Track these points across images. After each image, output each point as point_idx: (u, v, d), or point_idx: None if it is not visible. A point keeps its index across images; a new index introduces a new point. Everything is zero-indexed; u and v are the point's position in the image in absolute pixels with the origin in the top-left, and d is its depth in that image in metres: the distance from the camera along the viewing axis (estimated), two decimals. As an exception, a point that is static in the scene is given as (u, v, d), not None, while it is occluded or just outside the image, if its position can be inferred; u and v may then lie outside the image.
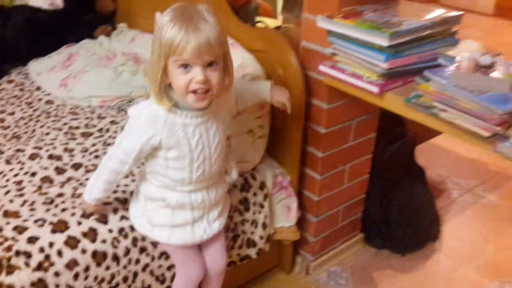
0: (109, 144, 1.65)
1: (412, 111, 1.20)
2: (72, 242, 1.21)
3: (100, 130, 1.75)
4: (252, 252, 1.55)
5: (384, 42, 1.20)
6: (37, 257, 1.17)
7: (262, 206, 1.53)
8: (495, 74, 1.03)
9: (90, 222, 1.26)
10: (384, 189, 1.86)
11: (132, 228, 1.29)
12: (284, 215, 1.63)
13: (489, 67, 1.05)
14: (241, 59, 1.51)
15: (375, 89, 1.27)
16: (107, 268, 1.24)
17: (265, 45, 1.58)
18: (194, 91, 1.06)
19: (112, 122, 1.80)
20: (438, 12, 1.33)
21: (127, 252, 1.27)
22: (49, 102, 1.94)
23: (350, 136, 1.66)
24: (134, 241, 1.28)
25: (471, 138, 1.05)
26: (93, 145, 1.65)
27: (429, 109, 1.14)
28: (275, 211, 1.60)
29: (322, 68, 1.41)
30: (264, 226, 1.55)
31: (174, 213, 1.24)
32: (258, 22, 1.77)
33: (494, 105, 0.97)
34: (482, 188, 2.37)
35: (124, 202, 1.35)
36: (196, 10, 1.06)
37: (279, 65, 1.54)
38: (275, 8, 1.72)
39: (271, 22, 1.74)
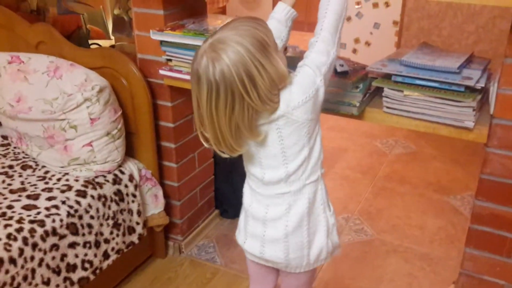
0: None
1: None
2: (-34, 259, 1.28)
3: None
4: (134, 238, 1.78)
5: (208, 43, 1.58)
6: None
7: (134, 195, 1.76)
8: (289, 54, 1.49)
9: (-22, 238, 1.35)
10: (227, 168, 2.24)
11: (18, 230, 1.40)
12: (153, 203, 1.88)
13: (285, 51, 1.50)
14: (85, 75, 1.70)
15: (208, 81, 1.63)
16: (7, 272, 1.34)
17: (105, 62, 1.81)
18: None
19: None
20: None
21: (21, 252, 1.38)
22: None
23: (193, 127, 2.00)
24: (25, 240, 1.40)
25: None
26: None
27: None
28: (145, 201, 1.85)
29: (162, 72, 1.72)
30: (139, 213, 1.79)
31: None
32: (92, 44, 1.98)
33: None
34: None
35: (3, 215, 1.45)
36: (229, 24, 1.09)
37: (122, 76, 1.79)
38: (105, 31, 1.95)
39: (104, 43, 1.96)
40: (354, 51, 4.20)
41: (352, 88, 1.38)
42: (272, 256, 1.25)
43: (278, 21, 1.29)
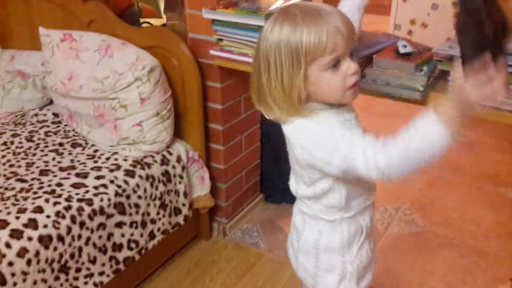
0: (19, 153, 1.71)
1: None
2: (16, 234, 1.30)
3: (4, 143, 1.80)
4: (180, 219, 1.77)
5: (261, 22, 1.51)
6: (-13, 253, 1.24)
7: (181, 177, 1.74)
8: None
9: (28, 214, 1.36)
10: (274, 152, 2.18)
11: (67, 208, 1.40)
12: (200, 185, 1.86)
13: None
14: (136, 54, 1.69)
15: (260, 62, 1.57)
16: (55, 249, 1.35)
17: (155, 41, 1.78)
18: (352, 85, 0.96)
19: (14, 135, 1.85)
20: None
21: (69, 230, 1.39)
22: None
23: (241, 109, 1.95)
24: (73, 218, 1.41)
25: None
26: (3, 156, 1.71)
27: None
28: (192, 182, 1.83)
29: (212, 52, 1.67)
30: (185, 194, 1.77)
31: (370, 244, 1.15)
32: (143, 23, 1.96)
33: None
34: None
35: (52, 192, 1.46)
36: (306, 4, 0.96)
37: (173, 56, 1.76)
38: (157, 9, 1.92)
39: (156, 22, 1.93)
40: (409, 32, 4.00)
41: (416, 71, 1.28)
42: (290, 258, 1.24)
43: (349, 8, 1.17)
